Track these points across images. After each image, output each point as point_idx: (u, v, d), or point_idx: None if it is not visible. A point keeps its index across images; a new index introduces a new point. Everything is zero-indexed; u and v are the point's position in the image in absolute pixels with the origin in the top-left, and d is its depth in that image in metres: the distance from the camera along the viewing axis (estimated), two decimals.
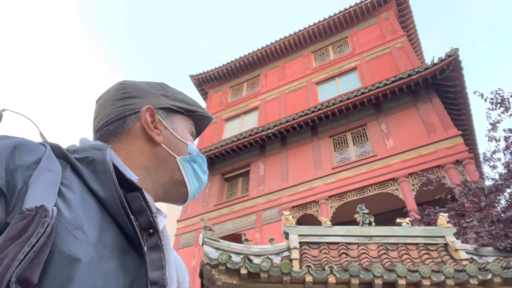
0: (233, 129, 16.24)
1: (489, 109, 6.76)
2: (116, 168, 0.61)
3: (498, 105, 6.67)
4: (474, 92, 6.79)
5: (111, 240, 0.52)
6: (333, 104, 12.87)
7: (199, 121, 0.87)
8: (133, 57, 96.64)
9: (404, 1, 16.54)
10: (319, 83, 15.61)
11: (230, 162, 14.50)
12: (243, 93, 18.02)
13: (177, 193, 0.76)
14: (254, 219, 12.21)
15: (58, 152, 0.59)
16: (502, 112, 6.86)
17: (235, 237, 11.81)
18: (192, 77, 19.44)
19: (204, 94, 19.61)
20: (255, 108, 16.55)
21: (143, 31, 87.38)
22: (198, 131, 0.88)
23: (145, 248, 0.56)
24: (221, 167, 14.65)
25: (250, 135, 13.88)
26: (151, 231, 0.59)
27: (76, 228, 0.48)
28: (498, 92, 6.69)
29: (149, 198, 0.64)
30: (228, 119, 16.97)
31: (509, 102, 6.54)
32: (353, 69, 15.11)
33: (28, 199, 0.47)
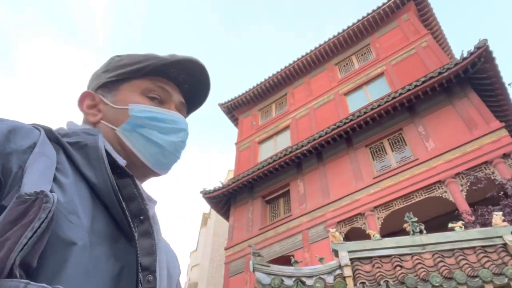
0: (268, 151, 16.38)
1: None
2: (108, 154, 0.62)
3: None
4: (509, 84, 6.54)
5: (101, 227, 0.53)
6: (365, 113, 12.72)
7: (181, 72, 0.78)
8: None
9: (422, 0, 16.31)
10: (347, 93, 15.52)
11: (269, 184, 14.56)
12: (273, 114, 18.22)
13: (138, 166, 0.71)
14: (300, 238, 12.09)
15: (50, 135, 0.60)
16: None
17: (284, 259, 11.69)
18: (221, 105, 19.95)
19: (235, 121, 20.00)
20: (286, 128, 16.65)
21: None
22: (194, 82, 0.80)
23: (136, 235, 0.56)
24: (260, 190, 14.73)
25: (285, 154, 13.93)
26: (142, 217, 0.59)
27: (71, 213, 0.49)
28: None
29: (139, 184, 0.64)
30: (261, 142, 17.16)
31: None
32: (380, 75, 14.94)
33: (26, 184, 0.47)
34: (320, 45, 17.70)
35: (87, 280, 0.47)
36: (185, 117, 0.82)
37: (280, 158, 13.97)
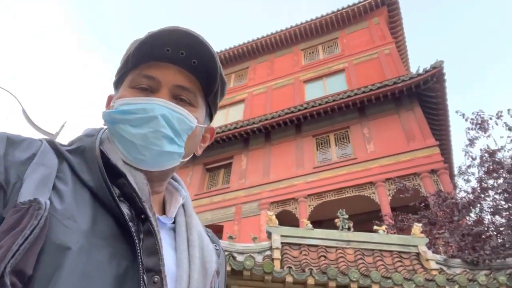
0: (218, 120, 16.28)
1: (468, 128, 7.17)
2: (104, 154, 0.61)
3: (478, 126, 7.07)
4: (456, 112, 7.19)
5: (104, 228, 0.53)
6: (319, 104, 13.11)
7: (178, 47, 0.67)
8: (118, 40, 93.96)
9: (395, 8, 16.88)
10: (306, 81, 15.81)
11: (213, 153, 14.58)
12: (231, 84, 18.03)
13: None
14: (233, 211, 12.41)
15: (53, 146, 0.61)
16: (479, 130, 7.26)
17: (214, 228, 11.97)
18: None
19: None
20: (241, 101, 16.63)
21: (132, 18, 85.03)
22: (197, 54, 0.68)
23: (141, 235, 0.55)
24: (203, 157, 14.69)
25: (235, 128, 13.99)
26: (143, 216, 0.58)
27: (68, 218, 0.49)
28: (479, 113, 7.10)
29: (140, 181, 0.61)
30: None
31: (488, 124, 6.97)
32: (341, 70, 15.38)
33: (22, 193, 0.49)
34: (292, 27, 17.66)
35: (87, 283, 0.46)
36: (211, 92, 0.73)
37: (229, 130, 14.00)
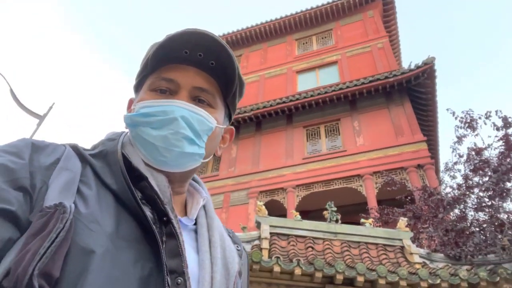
0: None
1: (457, 126, 7.30)
2: (125, 157, 0.63)
3: (467, 124, 7.21)
4: (447, 109, 7.30)
5: (128, 231, 0.53)
6: (311, 95, 13.14)
7: (195, 49, 0.68)
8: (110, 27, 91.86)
9: (390, 1, 16.87)
10: (299, 72, 15.79)
11: None
12: None
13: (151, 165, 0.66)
14: (221, 199, 12.46)
15: (76, 151, 0.62)
16: (468, 128, 7.41)
17: None
18: None
19: None
20: None
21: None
22: (214, 56, 0.69)
23: (164, 237, 0.56)
24: None
25: None
26: (165, 219, 0.58)
27: (92, 222, 0.50)
28: (468, 112, 7.23)
29: (161, 183, 0.62)
30: None
31: (476, 123, 7.11)
32: (334, 63, 15.39)
33: (48, 198, 0.50)
34: (286, 16, 17.53)
35: (112, 286, 0.47)
36: (230, 93, 0.74)
37: None
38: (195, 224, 0.70)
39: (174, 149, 0.63)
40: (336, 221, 6.44)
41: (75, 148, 0.63)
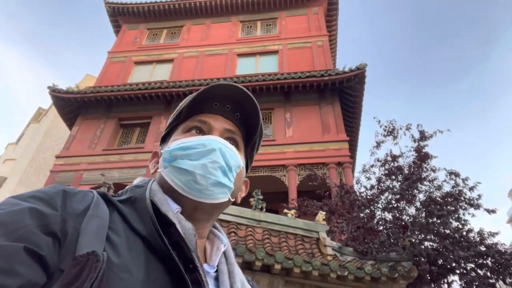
0: (142, 75, 15.33)
1: (380, 133, 7.94)
2: (153, 204, 0.64)
3: (389, 133, 7.87)
4: (374, 117, 7.87)
5: (157, 277, 0.54)
6: (249, 81, 13.16)
7: (224, 102, 0.76)
8: None
9: (335, 2, 17.45)
10: (240, 55, 15.67)
11: (131, 109, 13.78)
12: (161, 40, 16.99)
13: (184, 202, 0.68)
14: (144, 172, 12.00)
15: (104, 198, 0.63)
16: (389, 136, 8.09)
17: (119, 187, 11.48)
18: (106, 3, 17.46)
19: (117, 27, 17.85)
20: (170, 60, 15.83)
21: None
22: (241, 108, 0.77)
23: (190, 283, 0.57)
24: (119, 112, 13.83)
25: (160, 87, 13.34)
26: (191, 266, 0.59)
27: (123, 271, 0.51)
28: (392, 122, 7.90)
29: (188, 231, 0.62)
30: (139, 63, 15.91)
31: (397, 133, 7.80)
32: (275, 52, 15.55)
33: (80, 245, 0.50)
34: None
35: None
36: (249, 144, 0.82)
37: (153, 88, 13.30)
38: (216, 271, 0.71)
39: (210, 177, 0.67)
40: (261, 209, 6.61)
41: (103, 195, 0.64)
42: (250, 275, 5.19)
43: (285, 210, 6.85)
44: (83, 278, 0.45)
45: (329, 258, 5.98)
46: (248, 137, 0.81)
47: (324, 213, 6.91)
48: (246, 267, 5.55)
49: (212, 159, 0.68)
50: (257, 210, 6.58)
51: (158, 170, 0.75)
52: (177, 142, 0.72)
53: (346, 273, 5.60)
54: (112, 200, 0.63)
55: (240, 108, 0.77)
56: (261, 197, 6.79)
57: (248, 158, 0.83)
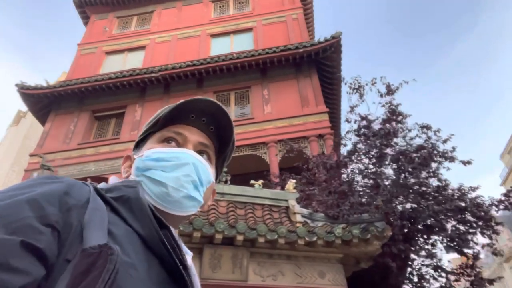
0: (114, 65, 14.85)
1: (347, 92, 7.55)
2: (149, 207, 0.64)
3: (355, 91, 7.48)
4: (338, 75, 7.46)
5: (156, 275, 0.55)
6: (223, 60, 12.75)
7: (200, 115, 0.78)
8: None
9: None
10: (214, 35, 15.19)
11: (105, 100, 13.36)
12: (132, 27, 16.45)
13: (159, 211, 0.68)
14: (120, 164, 11.63)
15: (97, 192, 0.62)
16: (356, 93, 7.70)
17: (98, 181, 11.12)
18: None
19: (86, 19, 17.28)
20: (142, 47, 15.34)
21: None
22: (216, 122, 0.80)
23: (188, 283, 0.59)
24: (92, 104, 13.42)
25: (132, 75, 12.91)
26: (182, 266, 0.60)
27: (130, 267, 0.51)
28: (356, 78, 7.50)
29: (175, 234, 0.66)
30: (110, 53, 15.42)
31: (363, 89, 7.40)
32: (249, 29, 15.07)
33: (88, 238, 0.50)
34: None
35: None
36: (221, 156, 0.85)
37: (125, 76, 12.87)
38: None
39: (182, 190, 0.69)
40: (226, 182, 6.27)
41: (96, 189, 0.63)
42: (212, 250, 4.86)
43: (252, 181, 6.51)
44: (100, 269, 0.45)
45: (298, 225, 5.66)
46: (221, 149, 0.84)
47: (294, 181, 6.57)
48: (207, 241, 5.23)
49: (185, 172, 0.70)
50: (222, 183, 6.23)
51: (130, 177, 0.75)
52: (152, 151, 0.73)
53: (315, 239, 5.28)
54: (105, 196, 0.62)
55: (215, 122, 0.80)
56: (225, 169, 6.44)
57: (219, 168, 0.86)
